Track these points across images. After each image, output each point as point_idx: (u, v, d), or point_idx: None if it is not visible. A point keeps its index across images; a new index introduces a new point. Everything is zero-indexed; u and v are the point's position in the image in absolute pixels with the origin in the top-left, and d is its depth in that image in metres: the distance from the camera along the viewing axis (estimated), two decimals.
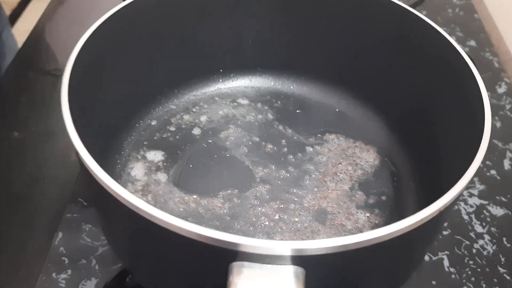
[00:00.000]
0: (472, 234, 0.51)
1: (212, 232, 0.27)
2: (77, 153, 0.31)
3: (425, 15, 0.79)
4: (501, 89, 0.69)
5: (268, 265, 0.27)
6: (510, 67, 0.74)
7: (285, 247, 0.27)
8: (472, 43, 0.77)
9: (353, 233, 0.43)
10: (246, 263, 0.27)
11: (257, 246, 0.27)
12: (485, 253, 0.50)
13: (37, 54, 0.68)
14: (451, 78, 0.46)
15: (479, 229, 0.52)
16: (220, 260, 0.28)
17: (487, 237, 0.51)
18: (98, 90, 0.44)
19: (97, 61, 0.42)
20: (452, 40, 0.45)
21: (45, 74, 0.66)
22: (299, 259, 0.27)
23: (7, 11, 0.80)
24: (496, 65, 0.73)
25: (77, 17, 0.73)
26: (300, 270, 0.27)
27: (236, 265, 0.27)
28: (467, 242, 0.51)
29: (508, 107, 0.67)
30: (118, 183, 0.46)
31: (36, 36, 0.70)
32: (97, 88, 0.43)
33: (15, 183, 0.52)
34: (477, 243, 0.51)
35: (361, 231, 0.43)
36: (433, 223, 0.31)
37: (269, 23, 0.54)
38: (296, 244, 0.27)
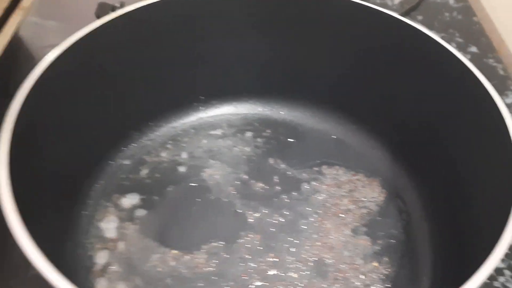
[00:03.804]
0: None
1: None
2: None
3: (421, 21, 0.74)
4: (509, 99, 0.64)
5: None
6: None
7: None
8: (474, 49, 0.71)
9: None
10: None
11: None
12: None
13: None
14: (461, 96, 0.41)
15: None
16: None
17: (508, 273, 0.46)
18: (53, 129, 0.37)
19: (52, 94, 0.36)
20: (454, 50, 0.39)
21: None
22: None
23: None
24: (501, 72, 0.67)
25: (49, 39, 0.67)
26: None
27: None
28: (487, 280, 0.45)
29: None
30: (84, 238, 0.40)
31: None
32: (51, 126, 0.37)
33: None
34: (497, 280, 0.45)
35: (370, 287, 0.37)
36: None
37: (254, 43, 0.47)
38: None
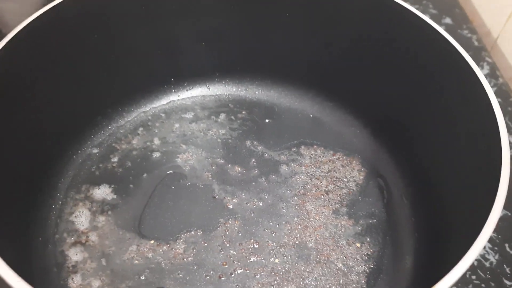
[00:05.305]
0: None
1: None
2: None
3: None
4: (484, 71, 0.63)
5: None
6: (488, 41, 0.68)
7: None
8: (448, 20, 0.70)
9: (343, 271, 0.37)
10: None
11: None
12: (487, 264, 0.44)
13: None
14: (440, 69, 0.40)
15: None
16: None
17: (487, 245, 0.46)
18: (10, 115, 0.35)
19: (9, 77, 0.34)
20: (438, 27, 0.38)
21: None
22: None
23: None
24: (476, 43, 0.67)
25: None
26: None
27: None
28: None
29: (493, 90, 0.61)
30: (55, 233, 0.38)
31: None
32: (8, 111, 0.34)
33: None
34: None
35: (353, 268, 0.37)
36: None
37: (224, 20, 0.45)
38: None
